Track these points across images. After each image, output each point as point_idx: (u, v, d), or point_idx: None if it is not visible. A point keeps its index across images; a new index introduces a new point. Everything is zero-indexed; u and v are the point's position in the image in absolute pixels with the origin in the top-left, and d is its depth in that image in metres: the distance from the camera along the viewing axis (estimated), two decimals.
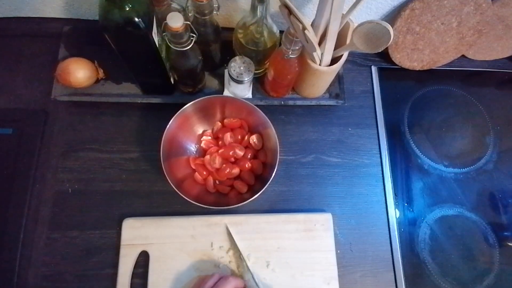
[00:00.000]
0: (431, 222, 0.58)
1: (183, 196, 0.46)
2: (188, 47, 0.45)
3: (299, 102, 0.61)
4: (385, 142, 0.62)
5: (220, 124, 0.57)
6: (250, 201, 0.47)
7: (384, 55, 0.66)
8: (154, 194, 0.55)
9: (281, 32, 0.49)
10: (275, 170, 0.48)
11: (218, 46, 0.56)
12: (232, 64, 0.52)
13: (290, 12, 0.44)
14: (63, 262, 0.50)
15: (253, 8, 0.47)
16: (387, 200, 0.58)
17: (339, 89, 0.62)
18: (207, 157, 0.54)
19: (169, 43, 0.45)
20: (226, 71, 0.57)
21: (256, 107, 0.50)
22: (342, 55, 0.51)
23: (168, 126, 0.48)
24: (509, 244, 0.59)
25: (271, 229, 0.53)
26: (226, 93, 0.59)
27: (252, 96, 0.60)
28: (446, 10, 0.56)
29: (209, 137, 0.57)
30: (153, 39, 0.43)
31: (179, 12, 0.45)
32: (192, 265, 0.50)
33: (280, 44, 0.49)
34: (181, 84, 0.57)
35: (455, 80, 0.69)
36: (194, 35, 0.45)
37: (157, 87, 0.58)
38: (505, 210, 0.61)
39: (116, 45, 0.44)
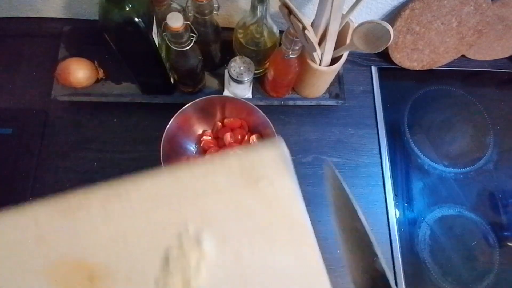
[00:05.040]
0: (431, 222, 0.58)
1: None
2: (188, 47, 0.45)
3: (299, 102, 0.61)
4: (385, 142, 0.62)
5: (220, 124, 0.57)
6: None
7: (384, 55, 0.66)
8: None
9: (281, 32, 0.49)
10: None
11: (218, 46, 0.56)
12: (232, 64, 0.52)
13: (290, 12, 0.44)
14: None
15: (253, 8, 0.47)
16: (387, 200, 0.58)
17: (339, 89, 0.62)
18: (207, 157, 0.54)
19: (169, 43, 0.45)
20: (226, 71, 0.57)
21: (256, 107, 0.50)
22: (342, 55, 0.51)
23: (168, 126, 0.48)
24: (509, 244, 0.59)
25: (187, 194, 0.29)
26: (226, 93, 0.59)
27: (252, 96, 0.60)
28: (446, 10, 0.56)
29: (209, 137, 0.56)
30: (153, 39, 0.43)
31: (179, 12, 0.45)
32: None
33: (280, 44, 0.49)
34: (181, 84, 0.57)
35: (455, 80, 0.69)
36: (194, 35, 0.45)
37: (157, 87, 0.58)
38: (505, 210, 0.61)
39: (116, 45, 0.44)
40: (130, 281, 0.26)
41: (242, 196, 0.30)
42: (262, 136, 0.55)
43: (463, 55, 0.68)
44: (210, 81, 0.61)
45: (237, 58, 0.53)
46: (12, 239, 0.28)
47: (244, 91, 0.58)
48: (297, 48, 0.47)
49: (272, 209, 0.30)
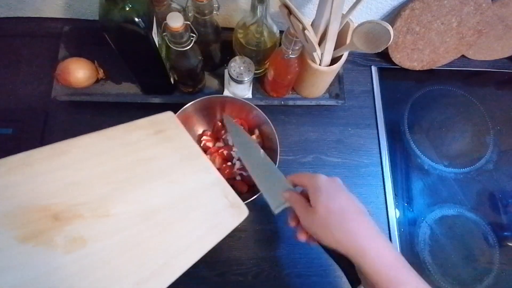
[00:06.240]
0: (431, 222, 0.58)
1: None
2: (188, 47, 0.45)
3: (299, 102, 0.61)
4: (385, 142, 0.62)
5: (220, 124, 0.57)
6: (250, 201, 0.47)
7: (384, 55, 0.66)
8: None
9: (281, 32, 0.49)
10: None
11: (218, 46, 0.56)
12: (232, 64, 0.52)
13: (290, 12, 0.44)
14: None
15: (253, 8, 0.47)
16: (387, 200, 0.58)
17: (339, 89, 0.62)
18: (207, 157, 0.54)
19: (169, 43, 0.45)
20: (226, 71, 0.57)
21: (256, 107, 0.50)
22: (342, 55, 0.51)
23: None
24: (509, 244, 0.59)
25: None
26: (226, 93, 0.59)
27: (252, 96, 0.60)
28: (446, 10, 0.56)
29: (209, 137, 0.56)
30: (153, 39, 0.43)
31: (179, 12, 0.45)
32: None
33: (280, 44, 0.49)
34: (181, 84, 0.57)
35: (455, 80, 0.69)
36: (194, 35, 0.45)
37: (157, 87, 0.58)
38: (505, 210, 0.61)
39: (116, 45, 0.44)
40: (94, 211, 0.32)
41: (159, 142, 0.42)
42: (262, 136, 0.55)
43: (463, 55, 0.68)
44: (210, 81, 0.61)
45: (237, 58, 0.53)
46: None
47: (244, 91, 0.58)
48: (297, 48, 0.48)
49: (178, 146, 0.43)
